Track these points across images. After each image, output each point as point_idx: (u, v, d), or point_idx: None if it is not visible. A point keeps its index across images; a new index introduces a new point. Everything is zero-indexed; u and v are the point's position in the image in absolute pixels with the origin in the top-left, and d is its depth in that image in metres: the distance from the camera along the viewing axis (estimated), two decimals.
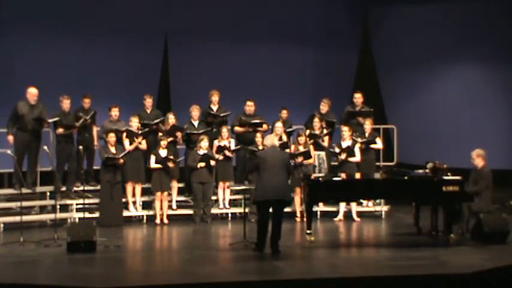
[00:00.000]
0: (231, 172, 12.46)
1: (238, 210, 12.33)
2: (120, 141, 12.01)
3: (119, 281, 8.38)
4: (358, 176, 11.56)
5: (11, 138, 11.64)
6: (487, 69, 14.97)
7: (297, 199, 12.28)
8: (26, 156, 11.79)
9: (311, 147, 12.31)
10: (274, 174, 9.53)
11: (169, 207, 12.22)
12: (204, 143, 11.97)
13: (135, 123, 12.09)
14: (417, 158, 12.69)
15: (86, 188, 11.63)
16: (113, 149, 11.76)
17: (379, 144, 12.77)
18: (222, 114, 12.65)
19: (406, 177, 10.65)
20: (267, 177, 9.54)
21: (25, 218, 10.95)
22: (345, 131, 12.39)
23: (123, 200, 12.09)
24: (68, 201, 12.05)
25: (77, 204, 11.93)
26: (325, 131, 12.63)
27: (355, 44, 16.25)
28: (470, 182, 10.55)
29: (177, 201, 12.47)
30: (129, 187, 12.10)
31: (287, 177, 9.83)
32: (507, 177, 13.23)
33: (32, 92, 11.69)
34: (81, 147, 11.64)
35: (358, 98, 13.10)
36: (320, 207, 12.44)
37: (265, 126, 12.56)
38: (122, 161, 11.72)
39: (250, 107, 12.65)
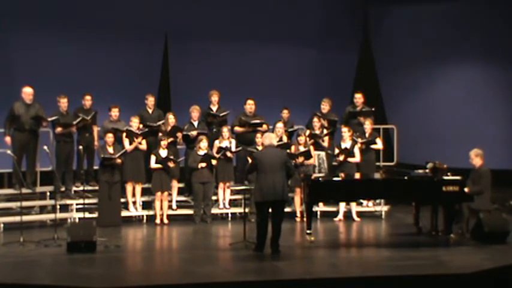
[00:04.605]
0: (231, 172, 12.46)
1: (238, 210, 12.33)
2: (120, 141, 12.02)
3: (119, 281, 8.38)
4: (358, 176, 11.57)
5: (8, 139, 11.65)
6: (487, 69, 14.96)
7: (297, 199, 12.29)
8: (25, 156, 11.79)
9: (311, 147, 12.32)
10: (271, 175, 9.50)
11: (170, 207, 12.23)
12: (203, 143, 11.97)
13: (135, 123, 12.09)
14: (417, 158, 12.70)
15: (86, 188, 11.64)
16: (110, 149, 11.76)
17: (379, 144, 12.78)
18: (221, 114, 12.67)
19: (406, 177, 10.65)
20: (264, 178, 9.52)
21: (25, 218, 10.95)
22: (345, 131, 12.40)
23: (123, 200, 12.11)
24: (68, 201, 12.05)
25: (77, 204, 11.94)
26: (325, 131, 12.64)
27: (355, 44, 16.25)
28: (469, 182, 10.54)
29: (177, 201, 12.48)
30: (129, 187, 12.10)
31: (285, 175, 9.74)
32: (507, 177, 13.23)
33: (27, 92, 11.69)
34: (81, 147, 11.64)
35: (358, 98, 13.10)
36: (320, 207, 12.44)
37: (265, 126, 12.58)
38: (119, 160, 11.73)
39: (250, 105, 12.67)
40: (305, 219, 10.78)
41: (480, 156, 10.68)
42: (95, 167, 12.34)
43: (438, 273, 8.63)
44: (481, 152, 10.69)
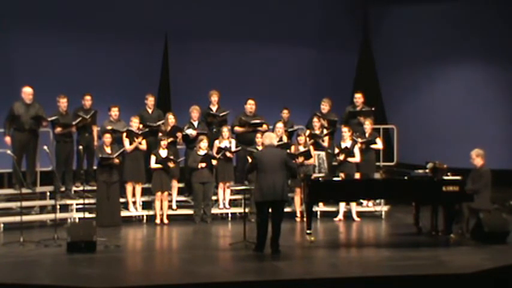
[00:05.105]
0: (231, 172, 12.46)
1: (238, 210, 12.33)
2: (119, 141, 12.02)
3: (119, 281, 8.38)
4: (358, 176, 11.57)
5: (8, 139, 11.66)
6: (487, 69, 14.96)
7: (297, 199, 12.29)
8: (25, 156, 11.80)
9: (311, 147, 12.32)
10: (271, 174, 9.49)
11: (170, 207, 12.23)
12: (204, 143, 11.98)
13: (135, 123, 12.09)
14: (417, 158, 12.70)
15: (86, 188, 11.63)
16: (108, 149, 11.76)
17: (379, 144, 12.78)
18: (221, 114, 12.67)
19: (406, 177, 10.65)
20: (264, 178, 9.52)
21: (25, 218, 10.94)
22: (345, 131, 12.41)
23: (123, 200, 12.11)
24: (68, 201, 12.05)
25: (77, 204, 11.94)
26: (325, 131, 12.65)
27: (355, 44, 16.25)
28: (469, 181, 10.55)
29: (177, 201, 12.48)
30: (129, 187, 12.10)
31: (285, 175, 9.74)
32: (507, 177, 13.23)
33: (27, 91, 11.70)
34: (81, 147, 11.64)
35: (358, 98, 13.11)
36: (320, 207, 12.44)
37: (265, 126, 12.58)
38: (116, 160, 11.72)
39: (251, 105, 12.67)
40: (305, 219, 10.78)
41: (481, 156, 10.69)
42: (95, 167, 12.33)
43: (438, 273, 8.63)
44: (482, 152, 10.70)
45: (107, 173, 11.73)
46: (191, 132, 12.31)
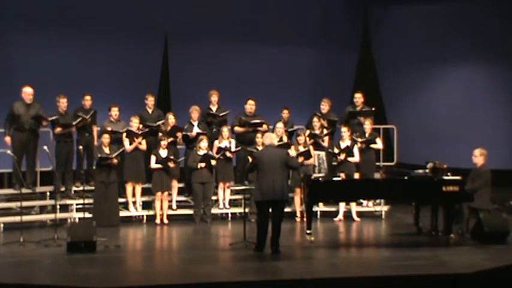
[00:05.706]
0: (231, 172, 12.46)
1: (238, 210, 12.34)
2: (119, 141, 12.02)
3: (119, 281, 8.37)
4: (357, 176, 11.57)
5: (8, 139, 11.66)
6: (487, 69, 14.97)
7: (297, 199, 12.29)
8: (25, 156, 11.80)
9: (311, 147, 12.32)
10: (271, 174, 9.49)
11: (170, 207, 12.23)
12: (204, 143, 11.98)
13: (135, 123, 12.09)
14: (417, 158, 12.70)
15: (86, 188, 11.62)
16: (106, 149, 11.75)
17: (379, 144, 12.79)
18: (221, 114, 12.68)
19: (406, 177, 10.65)
20: (264, 178, 9.52)
21: (25, 218, 10.93)
22: (344, 131, 12.41)
23: (123, 200, 12.11)
24: (68, 201, 12.06)
25: (77, 204, 11.94)
26: (325, 131, 12.65)
27: (355, 44, 16.25)
28: (468, 180, 10.55)
29: (177, 201, 12.48)
30: (129, 187, 12.10)
31: (286, 175, 9.75)
32: (507, 177, 13.23)
33: (27, 91, 11.70)
34: (81, 147, 11.64)
35: (358, 98, 13.12)
36: (320, 207, 12.44)
37: (265, 126, 12.59)
38: (115, 161, 11.72)
39: (251, 105, 12.67)
40: (305, 219, 10.78)
41: (484, 156, 10.67)
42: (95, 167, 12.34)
43: (438, 273, 8.63)
44: (485, 152, 10.69)
45: (105, 173, 11.72)
46: (191, 133, 12.30)
